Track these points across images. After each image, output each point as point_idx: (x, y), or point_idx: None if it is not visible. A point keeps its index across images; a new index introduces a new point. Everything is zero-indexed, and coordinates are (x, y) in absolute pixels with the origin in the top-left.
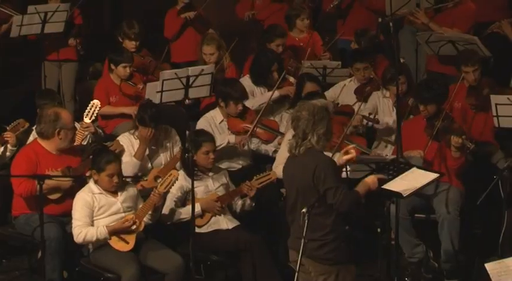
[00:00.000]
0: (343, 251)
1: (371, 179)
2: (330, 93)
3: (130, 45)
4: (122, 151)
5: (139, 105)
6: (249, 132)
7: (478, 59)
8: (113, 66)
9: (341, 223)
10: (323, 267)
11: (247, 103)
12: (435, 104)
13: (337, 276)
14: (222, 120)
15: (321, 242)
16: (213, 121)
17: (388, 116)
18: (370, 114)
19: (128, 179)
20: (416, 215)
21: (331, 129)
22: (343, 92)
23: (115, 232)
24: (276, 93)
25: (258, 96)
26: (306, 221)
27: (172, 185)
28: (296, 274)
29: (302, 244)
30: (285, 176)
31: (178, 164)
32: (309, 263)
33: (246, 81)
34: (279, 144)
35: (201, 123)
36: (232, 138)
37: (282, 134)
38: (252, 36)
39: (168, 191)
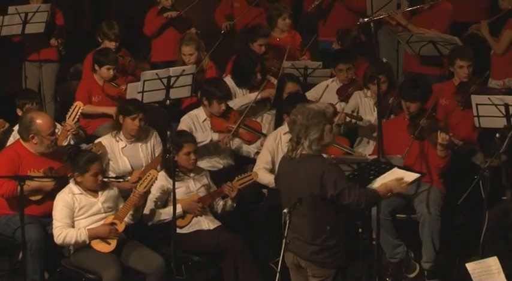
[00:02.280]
0: (341, 255)
1: (397, 186)
2: (311, 93)
3: (110, 45)
4: (105, 153)
5: (121, 102)
6: (231, 132)
7: (473, 56)
8: (96, 67)
9: (341, 228)
10: (322, 270)
11: (229, 104)
12: (420, 102)
13: (334, 279)
14: (205, 119)
15: (322, 247)
16: (196, 119)
17: (369, 115)
18: (352, 111)
19: (107, 179)
20: (397, 215)
21: (327, 134)
22: (325, 92)
23: (96, 236)
24: (257, 96)
25: (239, 98)
26: (288, 221)
27: (152, 184)
28: (277, 274)
29: (284, 244)
30: (282, 180)
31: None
32: (308, 265)
33: (228, 82)
34: (262, 145)
35: (185, 120)
36: (215, 136)
37: (265, 136)
38: (235, 38)
39: (148, 191)
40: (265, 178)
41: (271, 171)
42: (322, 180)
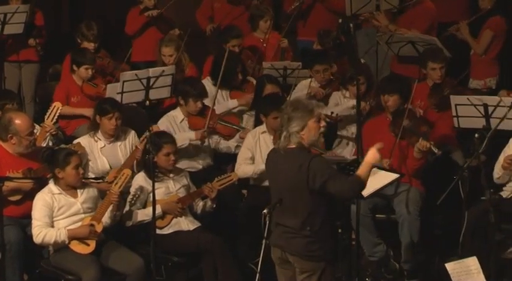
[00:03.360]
0: (328, 248)
1: (370, 155)
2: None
3: (89, 46)
4: (84, 154)
5: (97, 102)
6: (206, 126)
7: (445, 57)
8: (75, 67)
9: (327, 222)
10: (310, 264)
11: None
12: (398, 95)
13: (322, 273)
14: (183, 119)
15: (308, 240)
16: (173, 120)
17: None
18: (332, 113)
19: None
20: (377, 215)
21: (310, 131)
22: (303, 91)
23: (75, 236)
24: (235, 103)
25: (222, 104)
26: (267, 222)
27: (126, 183)
28: (257, 274)
29: (263, 245)
30: (270, 172)
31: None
32: (296, 260)
33: (207, 83)
34: (241, 138)
35: (163, 122)
36: (192, 135)
37: (243, 129)
38: (209, 40)
39: (123, 191)
40: (248, 169)
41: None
42: (309, 171)
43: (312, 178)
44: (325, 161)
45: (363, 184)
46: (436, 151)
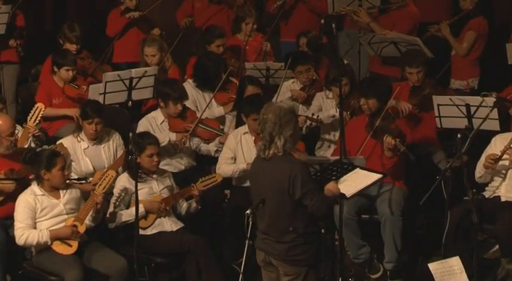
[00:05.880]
0: (312, 252)
1: (331, 186)
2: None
3: (71, 48)
4: (67, 155)
5: (81, 103)
6: (189, 131)
7: (422, 60)
8: (55, 69)
9: (311, 226)
10: (293, 268)
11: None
12: (376, 99)
13: (306, 276)
14: (163, 121)
15: (291, 244)
16: (154, 121)
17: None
18: (313, 114)
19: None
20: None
21: (298, 132)
22: (286, 93)
23: (57, 237)
24: (221, 111)
25: (208, 112)
26: (251, 222)
27: (110, 184)
28: (240, 275)
29: (246, 245)
30: (254, 178)
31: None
32: (279, 264)
33: (188, 85)
34: (220, 143)
35: (143, 123)
36: (173, 136)
37: (223, 133)
38: (192, 41)
39: (107, 192)
40: (228, 169)
41: None
42: (291, 179)
43: (296, 185)
44: (309, 170)
45: (331, 205)
46: (400, 147)
